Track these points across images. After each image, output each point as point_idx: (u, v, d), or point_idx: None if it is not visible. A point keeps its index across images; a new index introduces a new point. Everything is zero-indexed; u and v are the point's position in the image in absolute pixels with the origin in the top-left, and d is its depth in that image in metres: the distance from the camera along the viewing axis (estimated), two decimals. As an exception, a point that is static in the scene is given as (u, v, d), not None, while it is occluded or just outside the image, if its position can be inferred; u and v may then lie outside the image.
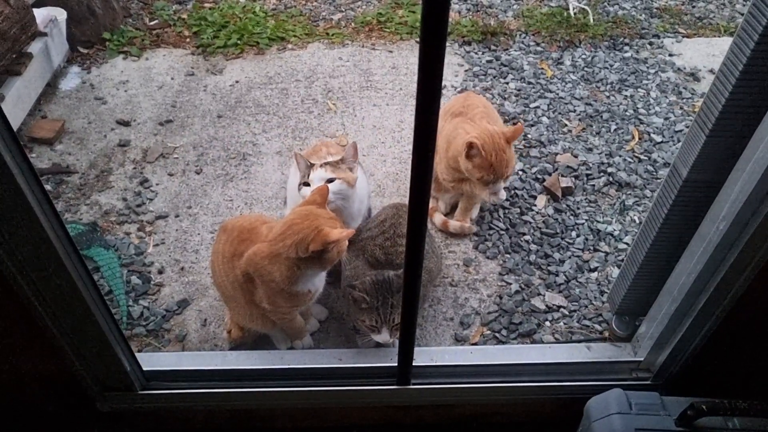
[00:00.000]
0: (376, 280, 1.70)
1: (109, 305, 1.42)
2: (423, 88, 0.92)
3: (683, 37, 3.46)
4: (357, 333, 1.90)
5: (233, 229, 1.68)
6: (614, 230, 2.35)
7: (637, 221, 2.39)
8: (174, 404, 1.66)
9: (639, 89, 3.06)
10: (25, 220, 1.14)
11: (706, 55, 3.31)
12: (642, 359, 1.63)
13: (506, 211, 2.42)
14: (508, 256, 2.26)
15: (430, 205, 2.19)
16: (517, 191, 2.50)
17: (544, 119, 2.87)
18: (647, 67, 3.21)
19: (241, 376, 1.65)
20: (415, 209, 1.13)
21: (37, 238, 1.18)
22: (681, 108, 2.95)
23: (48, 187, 2.47)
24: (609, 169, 2.60)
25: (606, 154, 2.68)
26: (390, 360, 1.64)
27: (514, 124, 2.84)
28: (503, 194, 2.34)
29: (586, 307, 2.09)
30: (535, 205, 2.45)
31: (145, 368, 1.58)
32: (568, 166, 2.60)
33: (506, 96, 3.02)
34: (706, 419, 1.33)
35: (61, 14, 3.12)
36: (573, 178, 2.55)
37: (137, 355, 1.56)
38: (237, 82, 3.09)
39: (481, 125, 2.14)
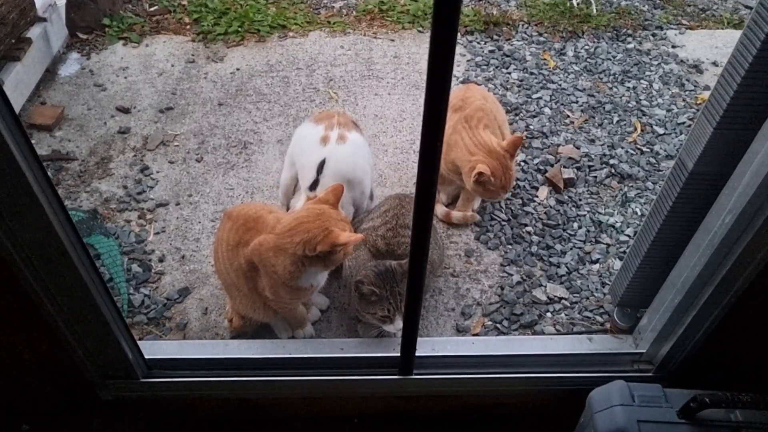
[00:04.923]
0: (379, 271, 1.70)
1: (111, 293, 1.42)
2: (432, 79, 0.92)
3: (686, 28, 3.45)
4: (359, 323, 1.90)
5: (238, 217, 1.67)
6: (616, 222, 2.35)
7: (639, 213, 2.39)
8: (175, 392, 1.66)
9: (641, 81, 3.05)
10: (29, 206, 1.14)
11: (709, 47, 3.29)
12: (644, 351, 1.63)
13: (508, 202, 2.42)
14: (509, 247, 2.25)
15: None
16: (519, 182, 2.49)
17: (546, 110, 2.86)
18: (650, 59, 3.20)
19: (243, 365, 1.65)
20: (422, 200, 1.12)
21: (41, 225, 1.17)
22: (683, 100, 2.94)
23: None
24: (611, 161, 2.59)
25: (608, 146, 2.67)
26: (392, 350, 1.64)
27: (517, 114, 2.83)
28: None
29: (588, 298, 2.09)
30: (537, 197, 2.44)
31: (146, 356, 1.58)
32: (570, 158, 2.60)
33: (508, 86, 3.00)
34: (708, 411, 1.33)
35: (60, -1, 3.09)
36: (575, 170, 2.54)
37: (139, 342, 1.55)
38: (238, 69, 3.07)
39: (480, 140, 2.13)
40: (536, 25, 3.43)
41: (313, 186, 1.97)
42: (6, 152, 1.05)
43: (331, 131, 2.01)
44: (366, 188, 2.08)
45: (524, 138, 2.08)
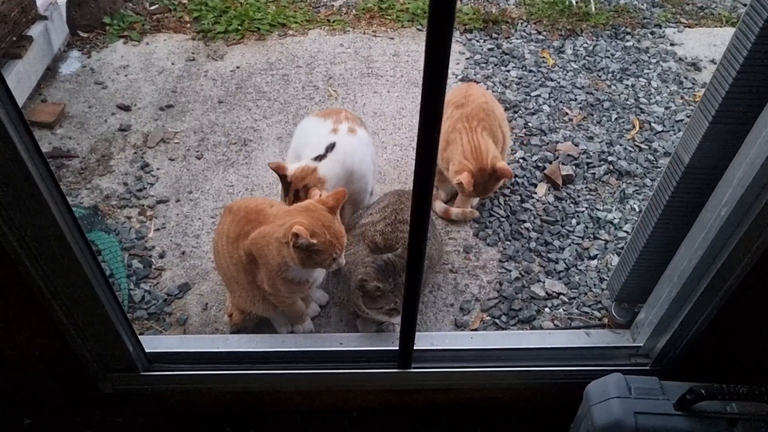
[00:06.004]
0: (378, 266, 1.70)
1: (112, 287, 1.43)
2: (429, 76, 0.93)
3: (685, 26, 3.46)
4: (358, 317, 1.91)
5: (239, 209, 1.68)
6: (614, 218, 2.36)
7: (637, 210, 2.40)
8: (176, 386, 1.67)
9: (640, 78, 3.06)
10: (33, 202, 1.15)
11: (707, 45, 3.30)
12: (641, 345, 1.64)
13: (507, 198, 2.43)
14: (508, 243, 2.27)
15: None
16: (517, 179, 2.50)
17: (545, 108, 2.87)
18: (648, 57, 3.21)
19: (243, 359, 1.66)
20: (420, 193, 1.13)
21: (44, 220, 1.18)
22: (682, 98, 2.95)
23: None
24: (609, 158, 2.60)
25: (606, 143, 2.68)
26: (391, 344, 1.65)
27: (515, 112, 2.84)
28: None
29: (586, 294, 2.10)
30: (536, 193, 2.46)
31: (147, 350, 1.59)
32: (568, 155, 2.61)
33: (507, 84, 3.01)
34: (704, 403, 1.34)
35: (61, -3, 3.10)
36: (573, 167, 2.56)
37: (140, 337, 1.56)
38: (238, 67, 3.08)
39: (477, 147, 2.16)
40: (535, 23, 3.44)
41: (318, 159, 1.94)
42: (11, 149, 1.06)
43: (341, 124, 2.02)
44: (368, 185, 2.09)
45: (510, 173, 2.19)
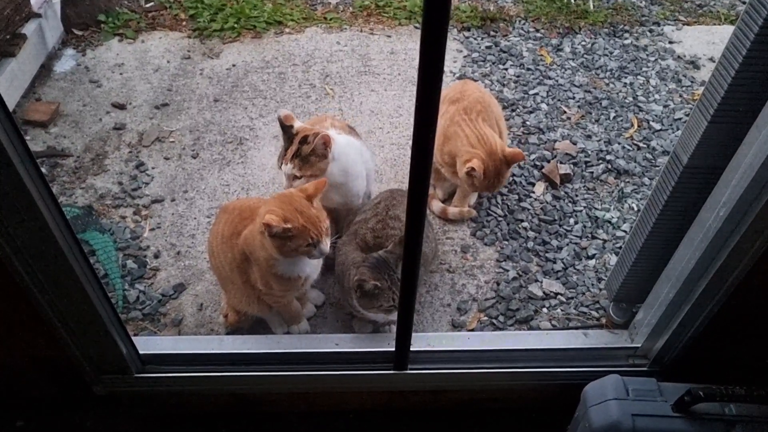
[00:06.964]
0: (372, 264, 1.68)
1: (105, 289, 1.41)
2: (424, 73, 0.92)
3: (683, 24, 3.45)
4: (353, 318, 1.90)
5: (234, 209, 1.67)
6: (612, 218, 2.34)
7: (636, 209, 2.39)
8: (170, 388, 1.66)
9: (638, 77, 3.05)
10: (23, 203, 1.13)
11: (706, 43, 3.29)
12: (639, 346, 1.63)
13: (504, 197, 2.41)
14: (505, 242, 2.25)
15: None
16: (515, 178, 2.49)
17: (543, 106, 2.86)
18: (647, 55, 3.19)
19: (238, 361, 1.65)
20: (415, 192, 1.12)
21: (35, 222, 1.17)
22: (680, 96, 2.94)
23: (43, 170, 2.44)
24: (608, 157, 2.59)
25: (605, 142, 2.67)
26: (387, 345, 1.63)
27: (513, 110, 2.83)
28: None
29: (584, 294, 2.09)
30: (534, 192, 2.44)
31: (141, 351, 1.57)
32: (566, 154, 2.59)
33: (505, 82, 3.00)
34: (702, 405, 1.33)
35: (55, -5, 3.08)
36: (571, 166, 2.54)
37: (133, 338, 1.55)
38: (234, 65, 3.06)
39: (483, 135, 2.13)
40: (533, 21, 3.43)
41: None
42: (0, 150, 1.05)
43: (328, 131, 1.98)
44: (359, 190, 2.05)
45: (521, 154, 2.15)
